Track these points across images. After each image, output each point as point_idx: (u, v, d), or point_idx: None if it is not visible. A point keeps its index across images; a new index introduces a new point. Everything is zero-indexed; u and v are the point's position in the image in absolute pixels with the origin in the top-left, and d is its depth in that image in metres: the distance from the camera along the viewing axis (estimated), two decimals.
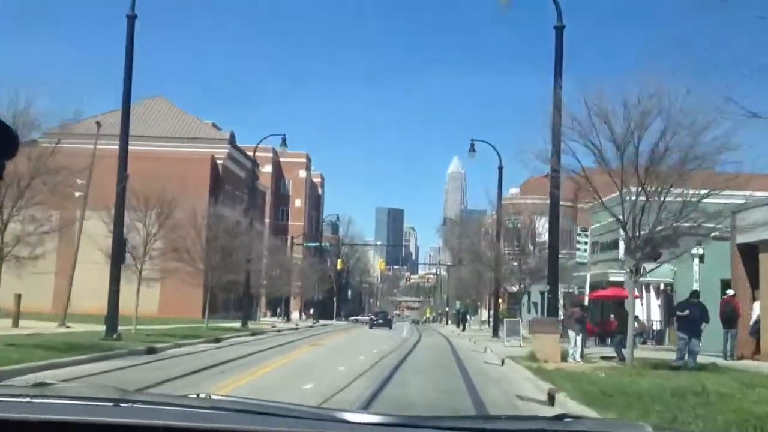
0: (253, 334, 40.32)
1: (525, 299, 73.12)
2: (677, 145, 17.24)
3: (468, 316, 68.39)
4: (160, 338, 27.91)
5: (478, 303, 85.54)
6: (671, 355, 26.48)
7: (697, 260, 32.53)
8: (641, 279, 38.06)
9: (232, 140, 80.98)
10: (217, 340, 32.12)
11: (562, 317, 25.67)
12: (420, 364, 22.49)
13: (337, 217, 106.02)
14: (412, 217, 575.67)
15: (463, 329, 64.17)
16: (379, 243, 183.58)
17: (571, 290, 50.62)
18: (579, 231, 19.99)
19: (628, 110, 17.13)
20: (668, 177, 17.55)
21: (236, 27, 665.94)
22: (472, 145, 47.24)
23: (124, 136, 25.37)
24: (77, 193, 36.41)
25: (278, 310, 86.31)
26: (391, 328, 70.18)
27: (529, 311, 73.28)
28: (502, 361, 23.49)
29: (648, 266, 19.66)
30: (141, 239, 29.19)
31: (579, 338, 22.30)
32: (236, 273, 44.15)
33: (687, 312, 18.75)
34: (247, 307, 46.79)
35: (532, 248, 46.30)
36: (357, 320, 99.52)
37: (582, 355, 22.37)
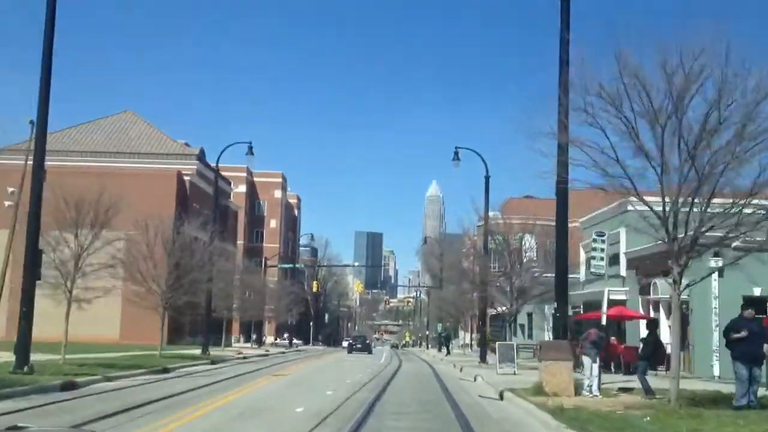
0: (212, 363, 35.82)
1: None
2: (733, 115, 13.23)
3: (451, 340, 63.92)
4: (92, 370, 23.43)
5: (460, 325, 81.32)
6: (693, 384, 22.42)
7: (715, 274, 28.59)
8: (650, 297, 34.16)
9: (201, 157, 76.53)
10: (165, 371, 27.68)
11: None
12: (401, 400, 18.18)
13: (312, 236, 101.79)
14: (391, 241, 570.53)
15: (447, 353, 59.88)
16: (356, 264, 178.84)
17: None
18: (595, 236, 16.50)
19: (672, 68, 13.10)
20: (721, 158, 13.52)
21: (222, 55, 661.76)
22: (456, 153, 43.32)
23: (42, 120, 21.02)
24: (7, 203, 32.10)
25: (253, 335, 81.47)
26: (370, 352, 66.43)
27: (515, 334, 68.97)
28: (500, 395, 19.29)
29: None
30: (71, 253, 24.72)
31: (596, 366, 18.13)
32: (196, 294, 39.74)
33: (744, 333, 14.58)
34: (207, 332, 42.23)
35: (518, 267, 42.22)
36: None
37: (599, 387, 18.20)
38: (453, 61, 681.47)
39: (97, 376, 21.72)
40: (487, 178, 41.85)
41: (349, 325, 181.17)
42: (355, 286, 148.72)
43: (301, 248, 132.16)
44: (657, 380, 22.15)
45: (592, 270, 18.10)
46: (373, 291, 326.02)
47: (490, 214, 45.66)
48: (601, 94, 13.56)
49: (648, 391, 17.27)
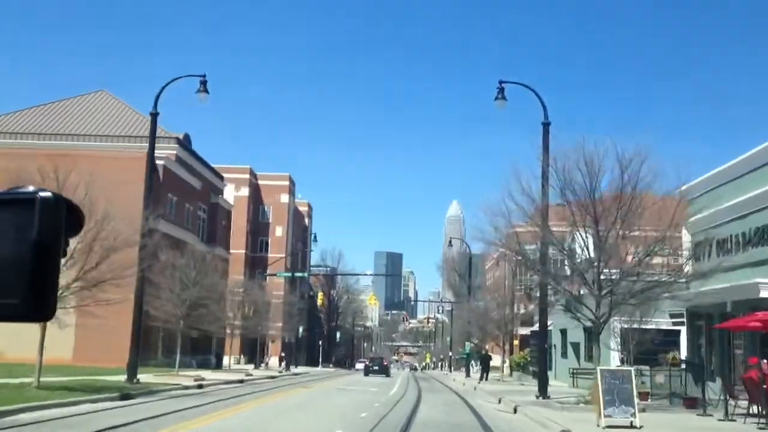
0: (122, 398, 22.45)
1: (557, 339, 54.60)
2: None
3: (489, 363, 49.82)
4: None
5: (486, 345, 67.31)
6: None
7: None
8: None
9: (184, 143, 63.25)
10: None
11: None
12: None
13: (315, 236, 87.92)
14: (411, 261, 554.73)
15: (485, 378, 46.24)
16: (369, 273, 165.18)
17: (643, 324, 32.39)
18: None
19: None
20: None
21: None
22: (501, 90, 30.21)
23: None
24: None
25: (256, 355, 68.16)
26: (388, 375, 62.03)
27: (565, 356, 54.30)
28: None
29: None
30: None
31: None
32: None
33: None
34: (136, 349, 28.63)
35: (569, 273, 28.66)
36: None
37: None
38: (475, 82, 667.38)
39: None
40: (545, 124, 28.55)
41: (365, 345, 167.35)
42: (368, 300, 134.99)
43: (312, 268, 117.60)
44: None
45: None
46: (393, 312, 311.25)
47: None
48: None
49: None
